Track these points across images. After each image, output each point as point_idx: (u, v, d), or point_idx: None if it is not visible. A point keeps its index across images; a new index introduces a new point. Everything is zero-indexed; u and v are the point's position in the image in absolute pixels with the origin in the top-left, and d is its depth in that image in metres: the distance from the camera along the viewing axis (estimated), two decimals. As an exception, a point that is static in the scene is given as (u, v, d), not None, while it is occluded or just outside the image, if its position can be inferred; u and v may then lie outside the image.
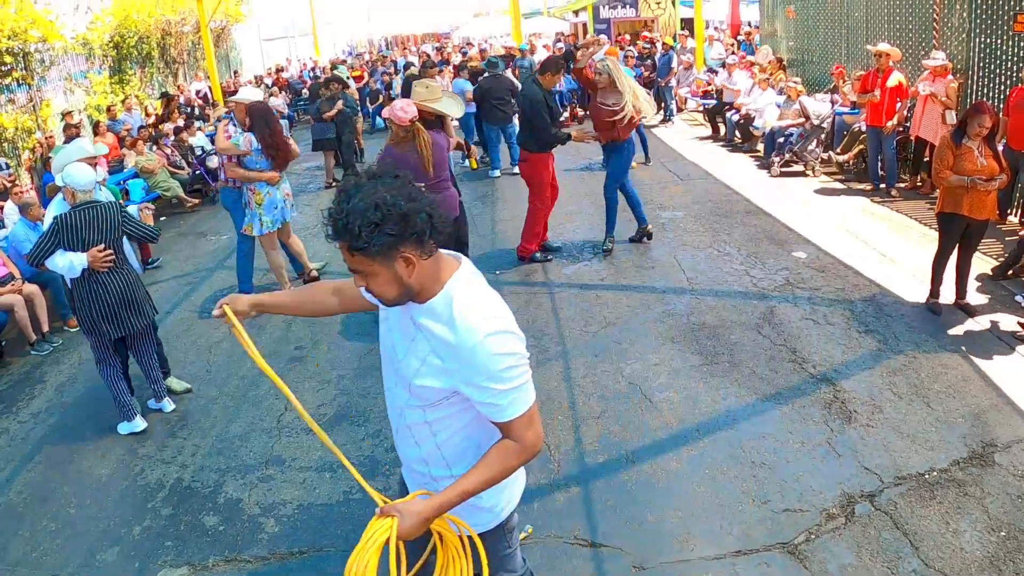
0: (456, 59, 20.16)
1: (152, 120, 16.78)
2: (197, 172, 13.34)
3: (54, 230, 5.23)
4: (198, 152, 13.64)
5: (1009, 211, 8.59)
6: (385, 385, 2.55)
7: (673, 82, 16.40)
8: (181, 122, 14.89)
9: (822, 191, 10.29)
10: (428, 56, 20.65)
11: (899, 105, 9.58)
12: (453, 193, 6.75)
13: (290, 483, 4.84)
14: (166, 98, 18.33)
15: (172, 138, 13.85)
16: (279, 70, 25.14)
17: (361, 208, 2.05)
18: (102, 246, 5.33)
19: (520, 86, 12.69)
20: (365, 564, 2.24)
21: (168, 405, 5.92)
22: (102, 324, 5.44)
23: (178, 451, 5.36)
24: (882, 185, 10.02)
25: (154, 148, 13.10)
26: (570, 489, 4.51)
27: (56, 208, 5.75)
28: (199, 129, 14.70)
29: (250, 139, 7.29)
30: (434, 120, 6.65)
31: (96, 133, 14.33)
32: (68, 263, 5.25)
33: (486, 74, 12.79)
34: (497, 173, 12.79)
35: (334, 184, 13.25)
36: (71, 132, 13.76)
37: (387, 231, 2.07)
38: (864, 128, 10.47)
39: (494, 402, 2.25)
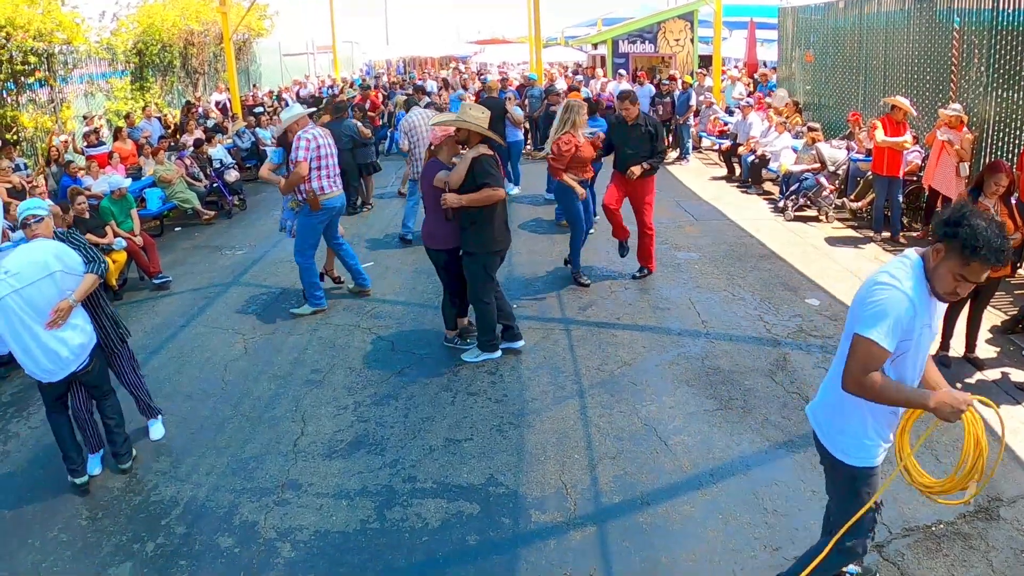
0: (474, 85, 20.39)
1: (171, 130, 16.93)
2: (215, 185, 13.41)
3: None
4: (216, 165, 13.70)
5: (1020, 264, 8.64)
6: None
7: (691, 120, 16.55)
8: (200, 133, 14.98)
9: (835, 238, 10.38)
10: (445, 80, 20.85)
11: (906, 154, 9.76)
12: (431, 227, 6.73)
13: (307, 508, 4.87)
14: (187, 106, 18.52)
15: (191, 149, 13.94)
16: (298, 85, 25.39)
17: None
18: None
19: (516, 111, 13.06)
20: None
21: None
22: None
23: (193, 469, 5.38)
24: (886, 233, 10.15)
25: (173, 158, 13.19)
26: (586, 528, 4.55)
27: None
28: (218, 141, 14.78)
29: None
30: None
31: (116, 139, 14.46)
32: None
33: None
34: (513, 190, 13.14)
35: (366, 207, 13.21)
36: (91, 139, 13.92)
37: None
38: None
39: None
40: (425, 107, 11.12)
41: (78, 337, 4.98)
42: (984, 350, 6.62)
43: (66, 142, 14.10)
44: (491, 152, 6.40)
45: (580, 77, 20.93)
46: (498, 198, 6.30)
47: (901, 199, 10.14)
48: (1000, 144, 9.31)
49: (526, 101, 18.01)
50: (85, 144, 13.81)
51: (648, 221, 8.62)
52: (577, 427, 5.66)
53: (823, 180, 11.21)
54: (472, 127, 6.36)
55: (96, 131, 14.52)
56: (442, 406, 6.07)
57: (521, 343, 6.96)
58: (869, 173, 10.86)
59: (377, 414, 6.01)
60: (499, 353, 6.85)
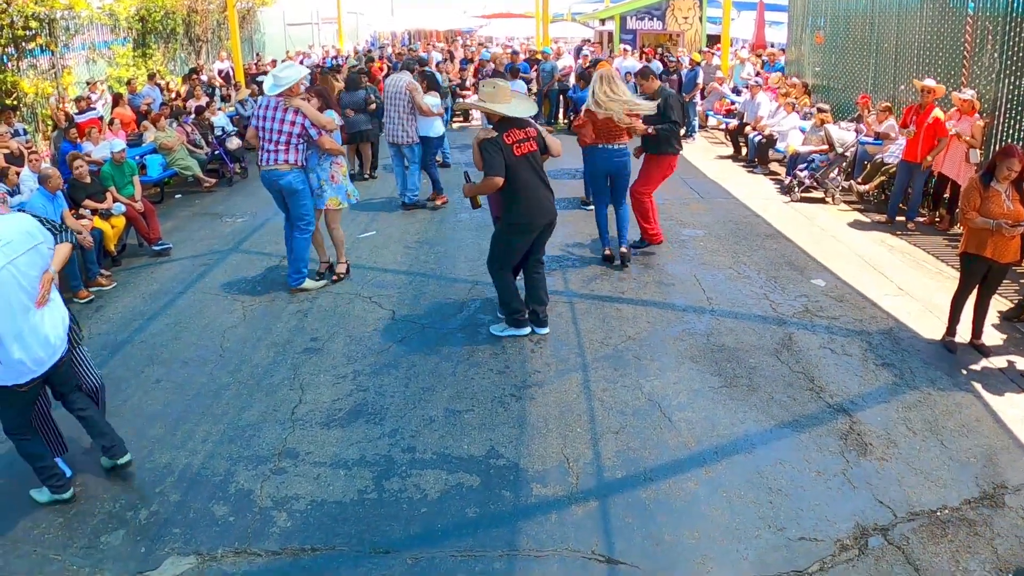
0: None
1: (173, 96, 16.76)
2: (216, 152, 13.29)
3: None
4: (218, 132, 13.57)
5: (1025, 252, 8.52)
6: None
7: (698, 98, 16.40)
8: (204, 101, 14.83)
9: (841, 220, 10.26)
10: (451, 53, 20.65)
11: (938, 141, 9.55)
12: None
13: (303, 478, 4.79)
14: (191, 72, 18.34)
15: (193, 116, 13.81)
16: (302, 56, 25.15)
17: None
18: None
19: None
20: None
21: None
22: None
23: (188, 436, 5.31)
24: (900, 218, 9.97)
25: (174, 125, 13.06)
26: (588, 503, 4.48)
27: None
28: (219, 109, 14.64)
29: None
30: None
31: (116, 105, 14.31)
32: None
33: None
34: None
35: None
36: (81, 105, 13.74)
37: None
38: (886, 160, 10.46)
39: None
40: (399, 71, 10.93)
41: (59, 314, 4.45)
42: (989, 337, 6.53)
43: (64, 108, 13.97)
44: (493, 135, 6.14)
45: (586, 52, 20.71)
46: (494, 187, 6.12)
47: (922, 186, 9.96)
48: (1011, 131, 9.17)
49: (539, 76, 17.95)
50: (76, 111, 13.61)
51: (638, 187, 8.39)
52: (580, 401, 5.58)
53: (831, 159, 11.10)
54: (479, 107, 6.27)
55: (87, 98, 14.33)
56: (443, 376, 6.00)
57: (544, 331, 6.72)
58: (878, 156, 10.75)
59: (377, 383, 5.94)
60: (526, 331, 6.67)
